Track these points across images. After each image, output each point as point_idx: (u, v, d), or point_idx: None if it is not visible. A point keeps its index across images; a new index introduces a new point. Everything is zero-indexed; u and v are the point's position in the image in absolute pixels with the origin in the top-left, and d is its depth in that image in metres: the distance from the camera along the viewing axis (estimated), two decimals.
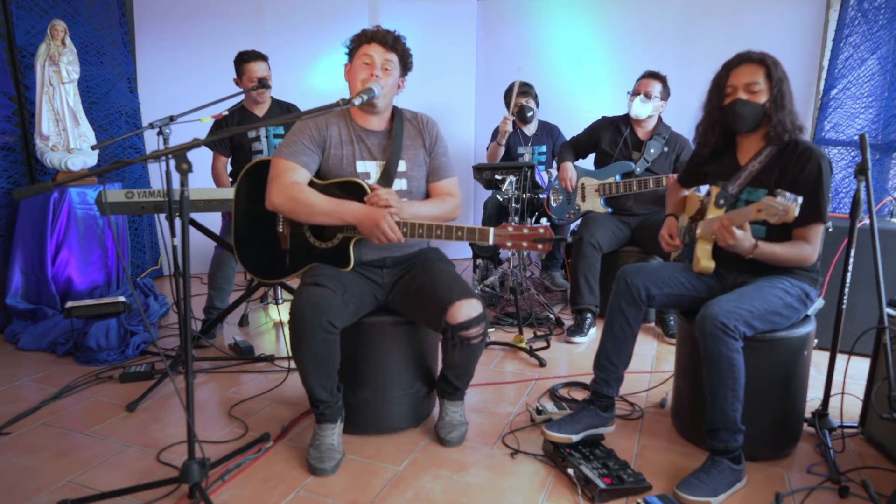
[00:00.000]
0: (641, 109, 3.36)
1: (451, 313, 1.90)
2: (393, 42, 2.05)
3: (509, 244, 1.91)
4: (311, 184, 2.04)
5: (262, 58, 3.21)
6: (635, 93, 3.38)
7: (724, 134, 2.09)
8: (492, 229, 1.90)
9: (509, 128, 3.90)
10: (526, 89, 4.07)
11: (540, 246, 1.89)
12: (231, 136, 3.21)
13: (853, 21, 3.78)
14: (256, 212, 2.14)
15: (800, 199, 1.66)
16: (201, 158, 2.52)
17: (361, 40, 2.06)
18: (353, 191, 2.01)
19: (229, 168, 3.40)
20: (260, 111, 3.28)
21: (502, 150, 4.00)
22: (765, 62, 1.95)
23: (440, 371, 2.16)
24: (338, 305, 1.90)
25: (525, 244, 1.90)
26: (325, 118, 2.10)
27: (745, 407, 1.84)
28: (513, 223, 1.92)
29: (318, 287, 1.90)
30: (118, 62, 4.19)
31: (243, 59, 3.21)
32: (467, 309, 1.91)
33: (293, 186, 1.98)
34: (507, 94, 4.16)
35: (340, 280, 1.98)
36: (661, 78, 3.39)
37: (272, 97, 3.34)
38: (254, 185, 2.15)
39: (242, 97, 3.17)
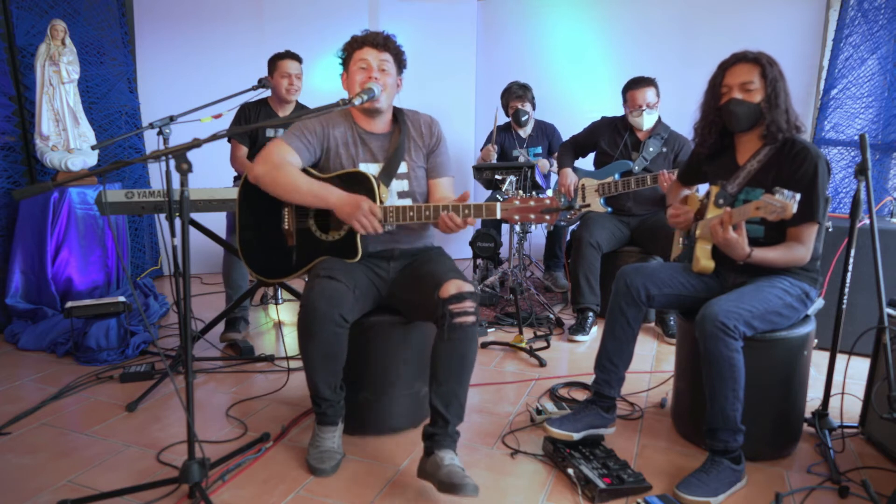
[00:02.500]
0: (648, 121, 3.35)
1: (443, 288, 1.88)
2: (385, 42, 2.06)
3: (517, 217, 1.89)
4: (313, 177, 2.06)
5: (296, 58, 3.23)
6: (634, 107, 3.34)
7: (722, 134, 2.09)
8: (498, 203, 1.90)
9: (493, 158, 3.93)
10: (522, 93, 4.07)
11: (548, 217, 1.87)
12: (252, 130, 3.21)
13: (853, 21, 3.78)
14: (260, 212, 2.15)
15: (798, 196, 1.67)
16: (201, 158, 2.51)
17: (353, 46, 2.07)
18: (357, 182, 2.03)
19: None
20: (282, 113, 3.28)
21: (494, 155, 4.02)
22: (760, 61, 1.95)
23: (427, 422, 1.93)
24: (350, 300, 1.91)
25: (533, 216, 1.88)
26: (331, 119, 2.11)
27: (745, 407, 1.84)
28: (518, 196, 1.91)
29: (331, 280, 1.90)
30: (118, 62, 4.19)
31: (278, 57, 3.22)
32: (459, 284, 1.89)
33: (280, 161, 2.00)
34: (503, 97, 4.17)
35: (352, 274, 1.99)
36: (651, 82, 3.35)
37: (297, 101, 3.34)
38: (256, 186, 2.14)
39: (248, 95, 3.17)
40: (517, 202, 1.89)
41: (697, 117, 2.13)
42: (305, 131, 2.06)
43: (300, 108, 3.35)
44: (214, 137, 1.65)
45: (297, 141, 2.04)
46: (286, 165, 2.00)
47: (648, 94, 3.32)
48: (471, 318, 1.86)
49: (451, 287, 1.87)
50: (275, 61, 3.23)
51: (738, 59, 1.98)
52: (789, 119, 1.95)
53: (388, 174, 2.09)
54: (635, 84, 3.35)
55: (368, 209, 1.92)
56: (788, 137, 1.96)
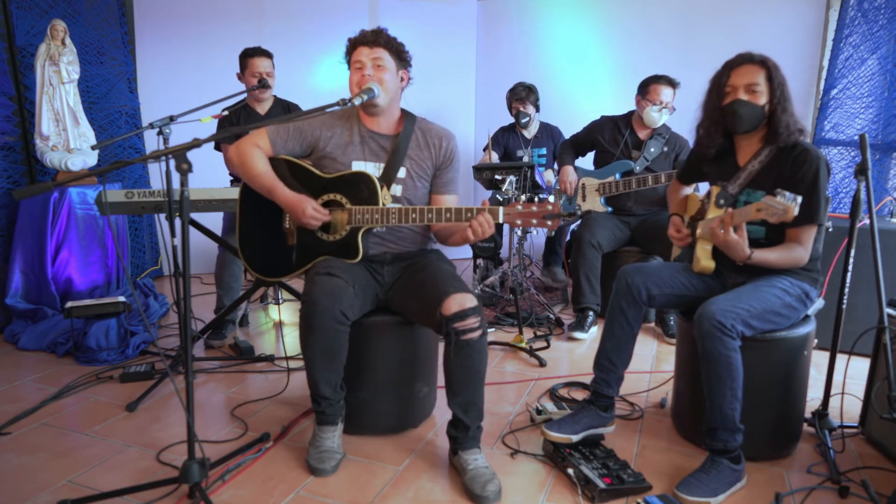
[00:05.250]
0: (658, 118, 3.34)
1: (445, 305, 1.86)
2: (375, 38, 2.04)
3: (519, 222, 1.89)
4: (316, 176, 2.08)
5: (265, 54, 3.23)
6: (654, 102, 3.31)
7: (725, 134, 2.08)
8: (501, 208, 1.89)
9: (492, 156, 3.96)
10: (525, 95, 4.08)
11: (549, 222, 1.87)
12: (237, 134, 3.22)
13: (853, 21, 3.78)
14: (261, 211, 2.15)
15: (799, 199, 1.66)
16: (201, 158, 2.52)
17: (349, 50, 2.08)
18: (360, 183, 2.03)
19: None
20: (262, 109, 3.29)
21: (494, 157, 4.03)
22: (766, 64, 1.95)
23: (449, 420, 1.98)
24: (350, 297, 1.91)
25: (535, 221, 1.88)
26: (331, 121, 2.12)
27: (745, 407, 1.84)
28: (521, 202, 1.90)
29: (331, 277, 1.91)
30: (118, 62, 4.19)
31: (247, 55, 3.23)
32: (461, 299, 1.87)
33: (253, 148, 2.08)
34: (508, 97, 4.18)
35: (351, 272, 1.99)
36: (675, 85, 3.33)
37: (275, 96, 3.35)
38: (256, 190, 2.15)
39: (243, 96, 3.17)
40: (519, 207, 1.88)
41: (699, 117, 2.12)
42: (291, 128, 2.11)
43: (278, 103, 3.34)
44: (214, 137, 1.66)
45: (274, 133, 2.10)
46: (255, 154, 2.07)
47: (669, 96, 3.31)
48: (477, 334, 1.86)
49: (453, 304, 1.86)
50: (245, 59, 3.23)
51: (745, 59, 1.97)
52: (793, 123, 1.95)
53: (387, 176, 2.09)
54: (661, 79, 3.32)
55: (311, 211, 2.00)
56: (790, 142, 1.95)
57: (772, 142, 1.97)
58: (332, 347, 1.90)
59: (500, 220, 1.90)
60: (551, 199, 1.89)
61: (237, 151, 2.10)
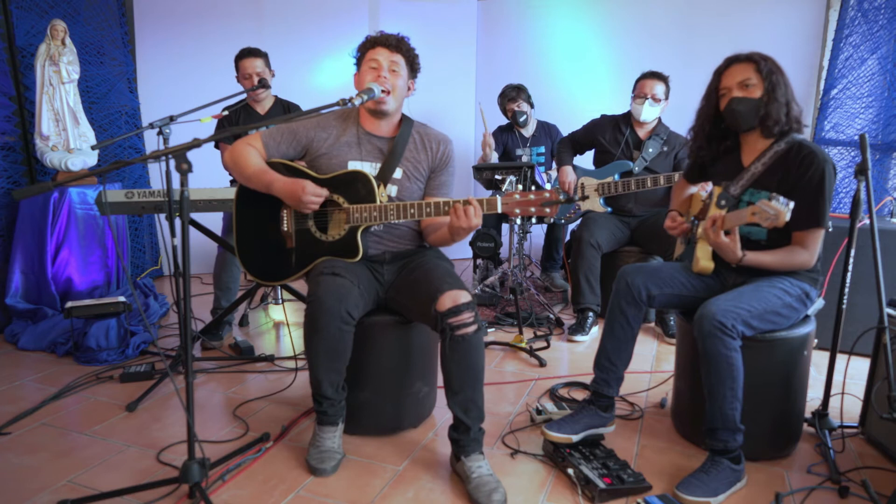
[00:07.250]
0: (650, 113, 3.35)
1: (440, 301, 1.86)
2: (397, 44, 2.06)
3: (518, 210, 1.87)
4: (312, 179, 2.08)
5: (254, 54, 3.21)
6: (640, 95, 3.35)
7: (727, 135, 2.08)
8: (499, 197, 1.87)
9: (491, 141, 3.93)
10: (514, 94, 4.07)
11: (548, 210, 1.85)
12: (236, 134, 3.22)
13: (853, 21, 3.78)
14: (259, 215, 2.15)
15: (791, 204, 1.67)
16: (201, 158, 2.52)
17: (366, 46, 2.09)
18: (356, 182, 2.03)
19: None
20: (261, 109, 3.29)
21: (494, 154, 4.02)
22: (753, 59, 1.94)
23: (450, 424, 1.95)
24: (355, 296, 1.92)
25: (533, 209, 1.86)
26: (326, 121, 2.12)
27: (745, 407, 1.84)
28: (518, 191, 1.89)
29: (336, 277, 1.91)
30: (118, 62, 4.19)
31: (237, 58, 3.23)
32: (455, 295, 1.87)
33: (247, 147, 2.10)
34: (499, 101, 4.18)
35: (354, 272, 2.00)
36: (663, 78, 3.36)
37: (275, 96, 3.35)
38: (254, 189, 2.15)
39: (243, 96, 3.17)
40: (517, 196, 1.88)
41: (692, 124, 2.13)
42: (286, 131, 2.11)
43: (278, 102, 3.34)
44: (214, 137, 1.66)
45: (268, 136, 2.11)
46: (246, 152, 2.09)
47: (657, 88, 3.33)
48: (471, 329, 1.86)
49: (447, 300, 1.86)
50: (235, 63, 3.23)
51: (732, 61, 1.98)
52: (790, 113, 1.93)
53: (383, 176, 2.09)
54: (648, 75, 3.38)
55: (311, 191, 1.98)
56: (795, 142, 1.94)
57: (769, 135, 1.97)
58: (337, 348, 1.90)
59: (499, 210, 1.87)
60: (548, 186, 1.88)
61: (231, 154, 2.10)
